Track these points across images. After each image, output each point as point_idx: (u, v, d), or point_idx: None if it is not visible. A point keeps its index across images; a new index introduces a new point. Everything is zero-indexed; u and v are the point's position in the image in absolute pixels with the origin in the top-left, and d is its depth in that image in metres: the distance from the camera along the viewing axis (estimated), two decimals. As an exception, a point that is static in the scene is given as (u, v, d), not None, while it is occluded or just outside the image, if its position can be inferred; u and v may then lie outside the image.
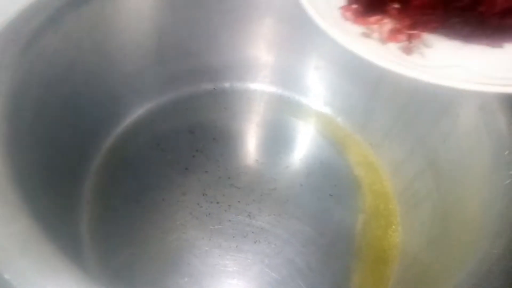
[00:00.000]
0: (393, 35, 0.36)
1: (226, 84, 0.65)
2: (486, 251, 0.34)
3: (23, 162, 0.33)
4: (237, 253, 0.47)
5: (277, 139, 0.59)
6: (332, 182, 0.54)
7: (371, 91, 0.56)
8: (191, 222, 0.49)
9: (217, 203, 0.51)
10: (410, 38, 0.36)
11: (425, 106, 0.49)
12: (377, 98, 0.55)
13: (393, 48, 0.36)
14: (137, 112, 0.59)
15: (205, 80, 0.64)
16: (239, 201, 0.52)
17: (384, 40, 0.36)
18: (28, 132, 0.37)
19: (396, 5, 0.37)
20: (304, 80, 0.64)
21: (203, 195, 0.52)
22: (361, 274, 0.47)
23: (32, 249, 0.26)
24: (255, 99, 0.65)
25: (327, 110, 0.63)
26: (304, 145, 0.60)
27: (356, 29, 0.36)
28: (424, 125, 0.50)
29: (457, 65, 0.34)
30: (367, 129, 0.59)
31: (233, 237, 0.49)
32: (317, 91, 0.63)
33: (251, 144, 0.59)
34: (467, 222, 0.40)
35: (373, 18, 0.37)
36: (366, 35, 0.36)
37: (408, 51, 0.35)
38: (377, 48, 0.35)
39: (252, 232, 0.49)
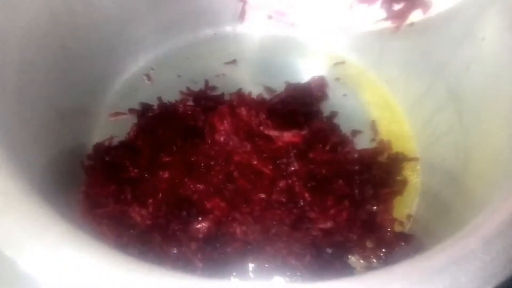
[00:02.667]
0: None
1: (228, 28, 0.60)
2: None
3: (8, 121, 0.31)
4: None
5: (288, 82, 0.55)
6: (346, 125, 0.51)
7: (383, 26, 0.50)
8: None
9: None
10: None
11: (444, 31, 0.44)
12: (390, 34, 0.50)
13: None
14: (135, 65, 0.56)
15: (204, 25, 0.59)
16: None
17: None
18: (14, 89, 0.35)
19: None
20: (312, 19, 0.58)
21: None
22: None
23: (16, 208, 0.24)
24: (259, 42, 0.60)
25: (337, 48, 0.58)
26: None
27: None
28: (444, 52, 0.45)
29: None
30: (381, 64, 0.54)
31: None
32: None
33: (259, 91, 0.55)
34: (493, 157, 0.37)
35: None
36: None
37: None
38: None
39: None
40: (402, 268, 0.24)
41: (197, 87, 0.54)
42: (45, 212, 0.25)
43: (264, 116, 0.43)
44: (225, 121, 0.43)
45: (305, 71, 0.56)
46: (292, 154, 0.42)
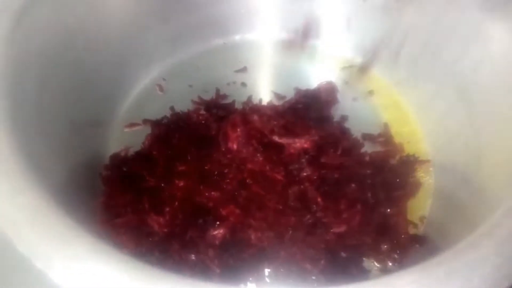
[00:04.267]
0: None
1: (237, 37, 0.61)
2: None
3: (31, 136, 0.33)
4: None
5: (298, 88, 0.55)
6: (357, 128, 0.51)
7: (391, 22, 0.50)
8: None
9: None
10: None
11: (452, 32, 0.44)
12: (399, 29, 0.50)
13: None
14: (147, 76, 0.57)
15: (214, 35, 0.61)
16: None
17: None
18: (35, 105, 0.36)
19: None
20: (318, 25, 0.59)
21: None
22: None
23: (42, 220, 0.26)
24: (267, 49, 0.61)
25: (345, 51, 0.58)
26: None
27: None
28: (453, 53, 0.45)
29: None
30: (390, 66, 0.55)
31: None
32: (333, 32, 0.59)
33: (269, 98, 0.56)
34: (505, 158, 0.37)
35: None
36: None
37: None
38: None
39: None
40: (416, 271, 0.25)
41: (209, 95, 0.56)
42: (70, 224, 0.26)
43: (275, 123, 0.44)
44: (237, 129, 0.43)
45: (314, 76, 0.57)
46: (303, 160, 0.42)
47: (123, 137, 0.53)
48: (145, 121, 0.53)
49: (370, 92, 0.55)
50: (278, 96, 0.55)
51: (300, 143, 0.43)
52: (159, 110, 0.54)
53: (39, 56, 0.38)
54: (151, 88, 0.57)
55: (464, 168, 0.42)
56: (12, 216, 0.25)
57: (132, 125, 0.54)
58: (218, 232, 0.41)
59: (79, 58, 0.44)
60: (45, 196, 0.27)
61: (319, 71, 0.58)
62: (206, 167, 0.44)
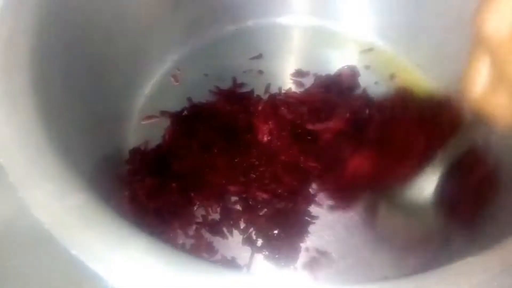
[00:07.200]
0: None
1: (249, 23, 0.60)
2: None
3: (63, 133, 0.31)
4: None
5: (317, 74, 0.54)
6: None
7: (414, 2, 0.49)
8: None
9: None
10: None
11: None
12: (422, 13, 0.49)
13: None
14: (162, 67, 0.56)
15: (226, 21, 0.59)
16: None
17: None
18: (62, 101, 0.35)
19: None
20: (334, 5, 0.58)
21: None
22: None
23: (94, 221, 0.24)
24: (282, 34, 0.60)
25: (366, 34, 0.57)
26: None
27: None
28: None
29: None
30: (412, 48, 0.54)
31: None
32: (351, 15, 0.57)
33: (288, 85, 0.54)
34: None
35: None
36: None
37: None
38: None
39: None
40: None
41: (225, 84, 0.54)
42: (121, 223, 0.25)
43: (304, 111, 0.43)
44: (269, 122, 0.42)
45: (333, 60, 0.56)
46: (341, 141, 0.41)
47: (141, 131, 0.51)
48: (163, 113, 0.52)
49: (392, 76, 0.54)
50: (298, 83, 0.54)
51: (334, 124, 0.42)
52: (175, 101, 0.52)
53: (62, 50, 0.36)
54: (167, 79, 0.55)
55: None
56: (62, 218, 0.24)
57: (149, 117, 0.52)
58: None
59: (98, 50, 0.43)
60: (92, 196, 0.26)
61: (338, 56, 0.56)
62: (235, 159, 0.43)
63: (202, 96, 0.52)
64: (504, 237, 0.26)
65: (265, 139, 0.42)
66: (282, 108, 0.43)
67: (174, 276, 0.23)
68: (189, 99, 0.53)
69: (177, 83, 0.55)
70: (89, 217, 0.24)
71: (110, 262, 0.22)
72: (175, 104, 0.52)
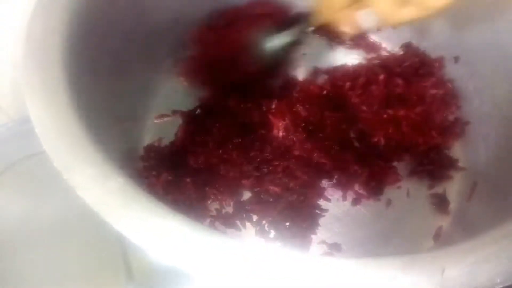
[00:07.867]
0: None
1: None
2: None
3: (94, 126, 0.33)
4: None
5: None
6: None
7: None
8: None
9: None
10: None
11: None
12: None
13: None
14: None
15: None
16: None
17: None
18: (89, 96, 0.36)
19: None
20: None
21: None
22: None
23: (134, 200, 0.26)
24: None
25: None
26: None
27: None
28: None
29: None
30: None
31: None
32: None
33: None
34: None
35: None
36: None
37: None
38: None
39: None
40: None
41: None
42: (155, 202, 0.27)
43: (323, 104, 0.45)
44: (285, 118, 0.44)
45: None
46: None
47: (153, 129, 0.52)
48: (175, 112, 0.54)
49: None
50: (313, 73, 0.54)
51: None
52: (186, 99, 0.53)
53: (89, 48, 0.38)
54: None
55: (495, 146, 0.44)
56: (106, 198, 0.26)
57: (162, 116, 0.54)
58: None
59: (117, 48, 0.44)
60: (128, 180, 0.28)
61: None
62: (250, 154, 0.45)
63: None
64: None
65: (280, 134, 0.44)
66: (298, 105, 0.45)
67: (207, 242, 0.25)
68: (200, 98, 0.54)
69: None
70: (129, 197, 0.26)
71: (150, 235, 0.24)
72: (187, 101, 0.53)
